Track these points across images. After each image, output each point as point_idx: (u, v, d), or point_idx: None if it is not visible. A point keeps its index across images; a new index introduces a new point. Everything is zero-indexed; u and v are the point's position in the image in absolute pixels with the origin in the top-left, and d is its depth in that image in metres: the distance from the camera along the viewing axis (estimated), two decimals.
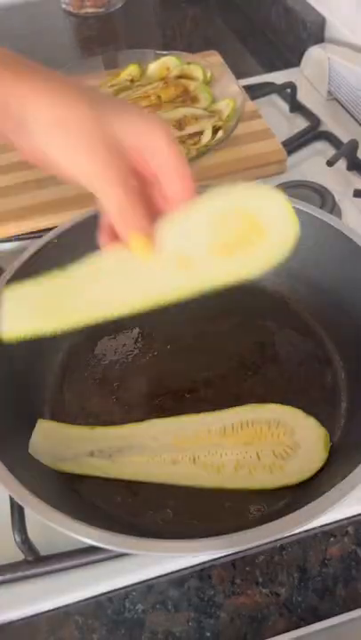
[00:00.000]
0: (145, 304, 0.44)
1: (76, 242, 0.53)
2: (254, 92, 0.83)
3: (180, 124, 0.71)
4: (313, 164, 0.76)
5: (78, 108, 0.39)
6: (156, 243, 0.42)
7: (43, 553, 0.46)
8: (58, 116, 0.38)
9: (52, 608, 0.45)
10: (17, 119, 0.39)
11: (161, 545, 0.39)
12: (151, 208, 0.42)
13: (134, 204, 0.40)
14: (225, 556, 0.46)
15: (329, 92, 0.85)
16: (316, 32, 0.90)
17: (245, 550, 0.46)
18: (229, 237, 0.43)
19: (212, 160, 0.68)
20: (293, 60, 0.93)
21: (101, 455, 0.48)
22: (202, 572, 0.46)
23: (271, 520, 0.38)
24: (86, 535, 0.39)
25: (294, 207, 0.56)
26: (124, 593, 0.45)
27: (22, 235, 0.65)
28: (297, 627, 0.43)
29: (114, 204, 0.40)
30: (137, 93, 0.76)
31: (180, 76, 0.78)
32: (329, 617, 0.44)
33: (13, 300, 0.45)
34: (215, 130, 0.70)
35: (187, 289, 0.43)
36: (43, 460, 0.47)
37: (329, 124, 0.81)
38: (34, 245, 0.54)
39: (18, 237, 0.66)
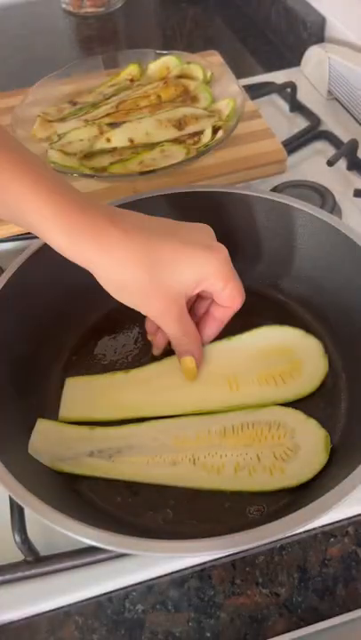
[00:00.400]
0: (189, 409, 0.51)
1: None
2: (254, 91, 0.83)
3: (180, 124, 0.71)
4: (313, 164, 0.76)
5: (138, 273, 0.44)
6: (202, 365, 0.52)
7: (43, 553, 0.46)
8: (122, 281, 0.45)
9: (52, 608, 0.45)
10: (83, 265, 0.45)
11: (161, 545, 0.39)
12: (202, 322, 0.52)
13: (188, 334, 0.50)
14: (225, 557, 0.46)
15: (329, 92, 0.85)
16: (316, 32, 0.90)
17: (245, 550, 0.46)
18: (273, 369, 0.52)
19: (212, 160, 0.68)
20: (293, 59, 0.93)
21: (101, 455, 0.48)
22: (202, 573, 0.46)
23: (271, 520, 0.38)
24: (86, 535, 0.39)
25: (294, 207, 0.56)
26: (124, 593, 0.45)
27: (22, 235, 0.65)
28: (297, 627, 0.43)
29: (171, 335, 0.50)
30: (137, 93, 0.76)
31: (180, 76, 0.78)
32: (329, 617, 0.44)
33: (74, 388, 0.53)
34: (215, 130, 0.69)
35: (228, 404, 0.51)
36: (42, 460, 0.47)
37: (329, 123, 0.81)
38: (34, 245, 0.54)
39: (18, 237, 0.65)
